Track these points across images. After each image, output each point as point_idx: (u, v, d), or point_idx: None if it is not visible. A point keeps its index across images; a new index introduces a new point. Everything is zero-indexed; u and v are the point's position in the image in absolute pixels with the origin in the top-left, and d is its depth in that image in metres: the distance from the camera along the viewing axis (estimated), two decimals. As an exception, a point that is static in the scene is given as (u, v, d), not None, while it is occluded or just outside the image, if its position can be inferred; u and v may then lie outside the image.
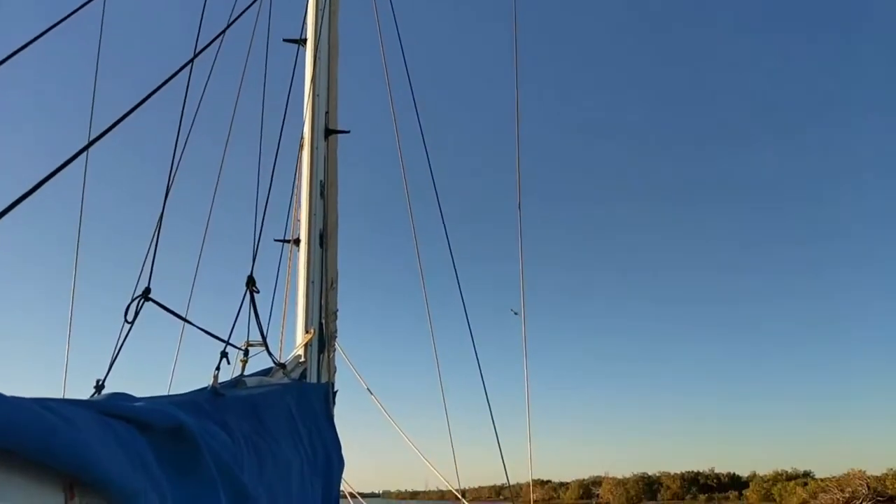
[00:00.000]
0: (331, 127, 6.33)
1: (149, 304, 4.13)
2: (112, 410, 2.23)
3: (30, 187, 2.32)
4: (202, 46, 3.54)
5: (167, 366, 6.77)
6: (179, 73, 3.53)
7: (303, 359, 5.12)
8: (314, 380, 5.10)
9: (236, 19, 3.96)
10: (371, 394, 6.18)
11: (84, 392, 3.70)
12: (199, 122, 5.10)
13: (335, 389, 5.18)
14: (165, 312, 4.31)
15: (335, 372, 5.53)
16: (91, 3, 3.21)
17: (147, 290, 4.11)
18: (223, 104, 6.75)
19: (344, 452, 4.53)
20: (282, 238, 5.80)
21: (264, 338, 4.43)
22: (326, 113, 6.31)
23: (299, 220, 5.90)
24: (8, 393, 1.72)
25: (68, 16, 3.06)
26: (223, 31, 3.76)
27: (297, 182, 5.99)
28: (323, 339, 5.38)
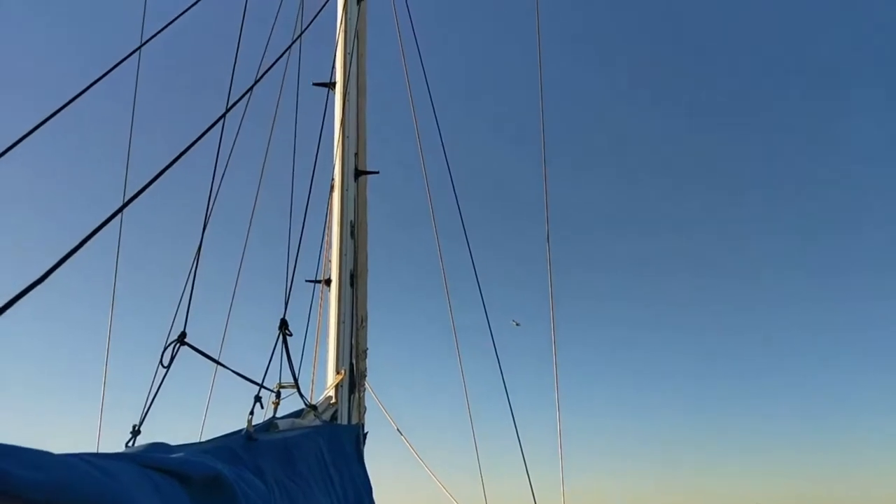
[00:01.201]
0: (360, 168, 6.43)
1: (181, 347, 4.22)
2: (152, 463, 2.30)
3: (70, 249, 2.41)
4: (234, 100, 3.65)
5: (198, 406, 6.85)
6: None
7: (333, 400, 5.17)
8: (345, 421, 5.15)
9: (266, 72, 4.07)
10: (401, 434, 6.21)
11: (118, 438, 3.78)
12: (232, 167, 5.22)
13: (365, 431, 5.22)
14: (199, 355, 4.41)
15: (365, 412, 5.58)
16: (126, 61, 3.33)
17: (183, 335, 4.20)
18: (254, 148, 6.89)
19: (375, 494, 4.55)
20: (313, 279, 5.88)
21: (296, 380, 4.49)
22: (356, 154, 6.42)
23: (330, 261, 5.98)
24: (44, 442, 1.81)
25: (103, 75, 3.18)
26: (253, 85, 3.87)
27: (327, 223, 6.09)
28: (353, 380, 5.43)
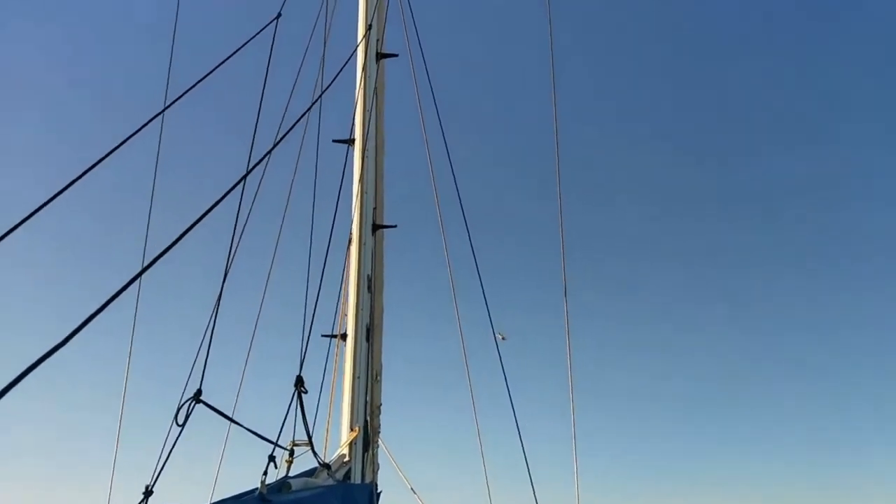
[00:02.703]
0: (378, 222, 6.49)
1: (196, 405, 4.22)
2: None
3: (89, 314, 2.45)
4: (254, 162, 3.71)
5: (211, 464, 6.83)
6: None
7: (347, 458, 5.15)
8: (358, 479, 5.12)
9: (285, 135, 4.15)
10: (414, 493, 6.15)
11: (131, 499, 3.77)
12: (250, 224, 5.29)
13: (379, 490, 5.19)
14: (213, 412, 4.41)
15: (378, 469, 5.54)
16: (146, 128, 3.41)
17: (198, 392, 4.22)
18: (273, 204, 6.98)
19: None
20: (329, 333, 5.90)
21: (310, 438, 4.48)
22: (374, 209, 6.49)
23: (346, 315, 6.00)
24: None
25: (125, 141, 3.25)
26: (272, 149, 3.94)
27: (344, 277, 6.13)
28: (367, 437, 5.41)
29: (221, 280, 4.62)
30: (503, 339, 7.22)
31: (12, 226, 2.79)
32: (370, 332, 6.07)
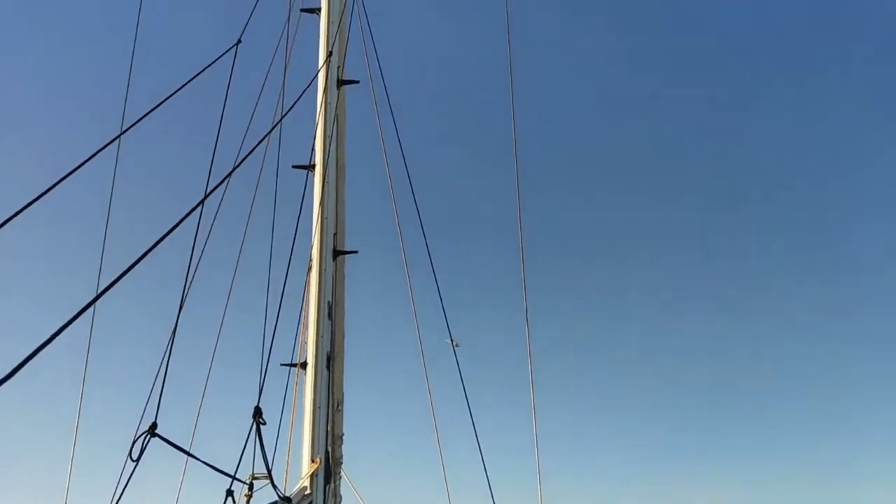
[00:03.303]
0: (339, 248, 6.42)
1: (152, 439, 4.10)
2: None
3: (42, 342, 2.35)
4: (212, 186, 3.64)
5: (167, 498, 6.63)
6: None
7: (308, 490, 5.03)
8: (320, 512, 5.00)
9: (243, 160, 4.08)
10: (378, 526, 6.03)
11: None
12: (208, 251, 5.19)
13: (341, 524, 5.07)
14: (169, 446, 4.28)
15: (341, 501, 5.42)
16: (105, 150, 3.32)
17: (153, 426, 4.09)
18: (231, 230, 6.87)
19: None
20: (288, 362, 5.79)
21: (270, 470, 4.36)
22: (335, 234, 6.42)
23: (306, 343, 5.90)
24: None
25: (81, 165, 3.16)
26: (229, 174, 3.87)
27: (304, 304, 6.03)
28: (329, 468, 5.30)
29: (178, 308, 4.51)
30: (457, 345, 7.15)
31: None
32: (331, 360, 5.97)
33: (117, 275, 2.82)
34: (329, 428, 5.51)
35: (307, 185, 6.22)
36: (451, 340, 7.15)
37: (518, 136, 8.03)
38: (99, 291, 2.66)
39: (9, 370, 2.39)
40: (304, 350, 5.92)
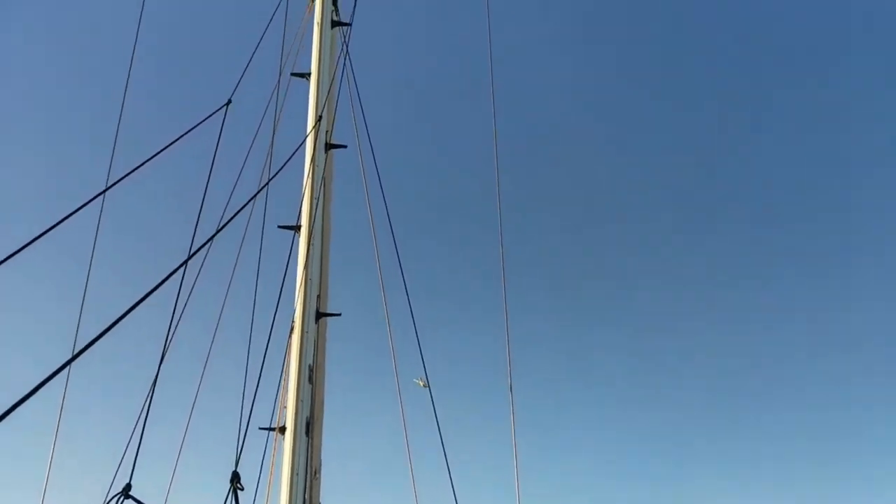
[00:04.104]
0: (322, 310, 6.36)
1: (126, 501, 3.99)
2: None
3: (14, 402, 2.28)
4: (196, 247, 3.61)
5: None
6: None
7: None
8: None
9: (228, 222, 4.07)
10: None
11: None
12: (188, 311, 5.13)
13: None
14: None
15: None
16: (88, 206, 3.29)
17: (128, 487, 3.99)
18: (213, 291, 6.81)
19: None
20: (267, 426, 5.67)
21: (245, 540, 4.24)
22: (318, 296, 6.37)
23: (285, 407, 5.79)
24: None
25: (63, 219, 3.13)
26: (214, 235, 3.85)
27: (285, 367, 5.94)
28: (306, 538, 5.14)
29: (157, 366, 4.43)
30: (424, 385, 7.03)
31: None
32: (310, 426, 5.85)
33: (96, 334, 2.76)
34: (307, 495, 5.37)
35: (293, 246, 6.21)
36: (420, 380, 7.05)
37: (503, 203, 8.10)
38: (75, 352, 2.59)
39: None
40: (284, 414, 5.81)
